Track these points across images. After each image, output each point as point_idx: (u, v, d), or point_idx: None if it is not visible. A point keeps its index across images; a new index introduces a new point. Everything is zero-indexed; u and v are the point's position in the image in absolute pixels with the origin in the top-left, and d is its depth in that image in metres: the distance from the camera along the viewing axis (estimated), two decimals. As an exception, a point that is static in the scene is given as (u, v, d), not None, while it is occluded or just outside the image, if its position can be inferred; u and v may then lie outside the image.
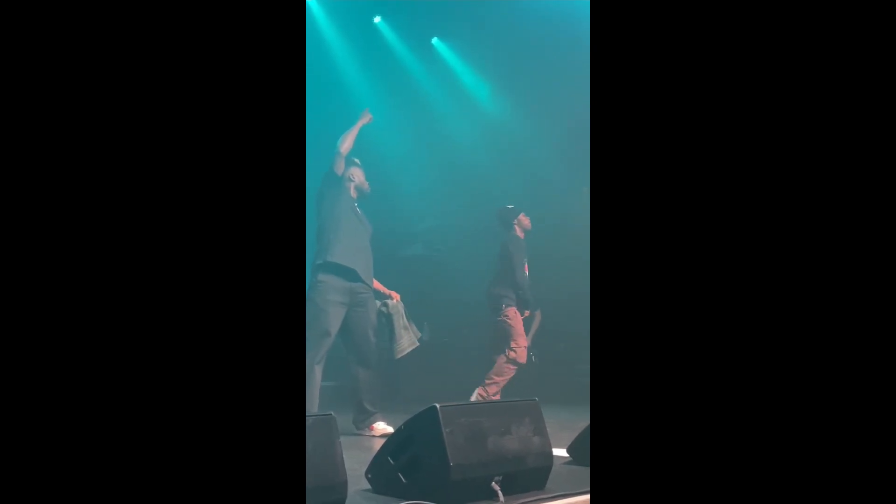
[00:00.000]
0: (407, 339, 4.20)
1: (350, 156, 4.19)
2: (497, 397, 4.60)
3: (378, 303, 4.22)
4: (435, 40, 7.16)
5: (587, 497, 2.34)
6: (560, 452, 2.99)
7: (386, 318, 4.18)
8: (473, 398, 4.61)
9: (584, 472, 2.81)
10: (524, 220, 5.08)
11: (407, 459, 2.38)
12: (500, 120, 7.07)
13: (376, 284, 4.31)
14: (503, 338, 4.84)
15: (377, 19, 6.93)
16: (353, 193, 4.19)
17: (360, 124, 4.23)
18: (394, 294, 4.34)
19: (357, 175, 4.22)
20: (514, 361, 4.76)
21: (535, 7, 6.30)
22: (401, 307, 4.23)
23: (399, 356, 4.20)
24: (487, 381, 4.74)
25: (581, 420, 4.19)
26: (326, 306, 3.90)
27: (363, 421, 4.02)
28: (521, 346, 4.78)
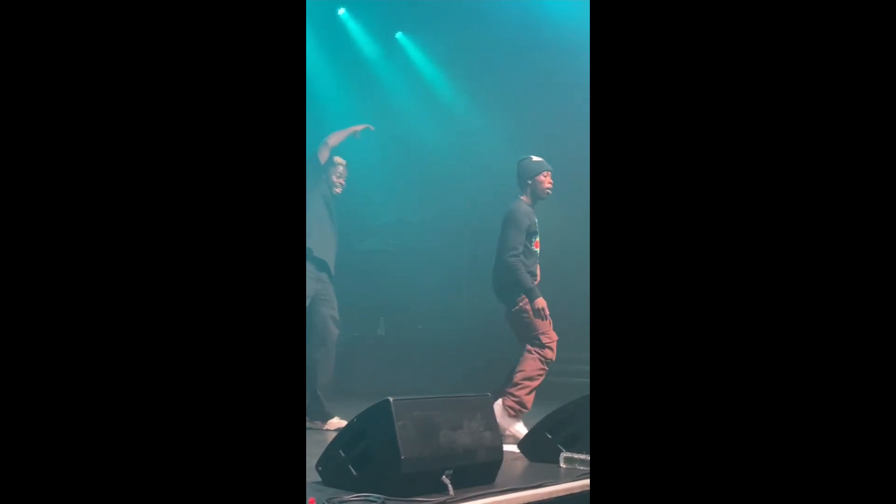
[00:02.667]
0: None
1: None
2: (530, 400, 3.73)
3: None
4: (399, 35, 7.15)
5: (535, 492, 2.38)
6: (510, 448, 3.02)
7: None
8: (499, 414, 3.51)
9: (533, 468, 2.86)
10: (542, 179, 3.86)
11: (358, 452, 2.39)
12: (460, 117, 7.09)
13: None
14: (524, 332, 3.80)
15: (341, 11, 6.89)
16: (336, 182, 4.22)
17: (356, 129, 4.24)
18: None
19: (341, 169, 4.27)
20: (544, 360, 3.71)
21: (499, 4, 6.33)
22: None
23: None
24: (516, 388, 3.67)
25: (531, 416, 4.25)
26: None
27: (316, 412, 4.00)
28: (552, 339, 3.75)
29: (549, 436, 3.00)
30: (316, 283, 4.03)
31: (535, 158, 3.94)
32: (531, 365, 3.69)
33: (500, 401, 3.64)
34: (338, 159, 4.25)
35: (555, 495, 2.40)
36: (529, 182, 3.87)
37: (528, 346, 3.74)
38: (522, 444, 3.13)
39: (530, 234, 3.83)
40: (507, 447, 2.70)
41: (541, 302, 3.72)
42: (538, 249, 3.90)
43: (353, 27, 6.98)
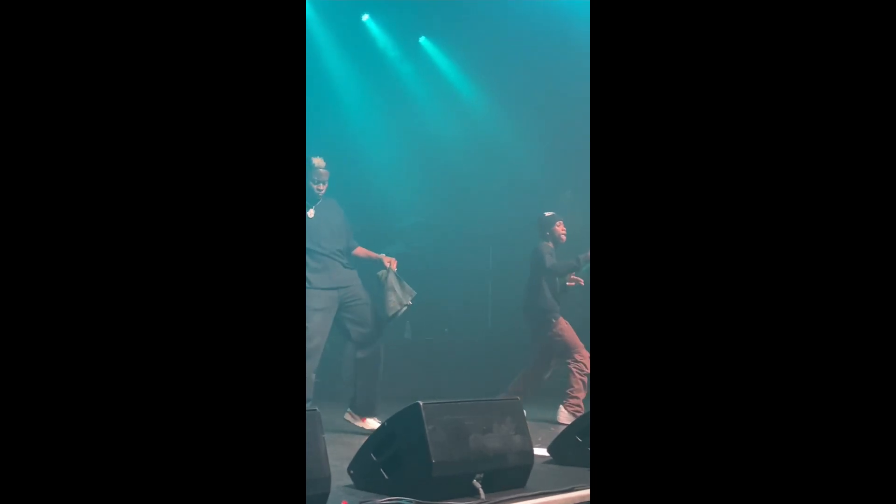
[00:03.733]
0: (393, 299, 4.05)
1: (315, 154, 4.09)
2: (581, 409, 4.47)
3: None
4: (423, 39, 7.17)
5: (567, 496, 2.37)
6: (540, 451, 3.02)
7: (379, 287, 4.09)
8: (566, 418, 4.40)
9: (565, 471, 2.85)
10: (558, 229, 4.88)
11: (389, 456, 2.40)
12: (485, 120, 7.09)
13: (362, 251, 4.24)
14: (561, 353, 4.67)
15: (365, 17, 6.93)
16: (317, 189, 4.07)
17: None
18: (385, 259, 4.16)
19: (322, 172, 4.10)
20: (583, 371, 4.56)
21: (522, 7, 6.33)
22: (389, 273, 4.09)
23: (390, 315, 4.06)
24: (571, 399, 4.53)
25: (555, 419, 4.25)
26: (309, 314, 3.85)
27: (359, 408, 4.01)
28: (585, 356, 4.57)
29: (580, 439, 2.99)
30: (331, 300, 3.97)
31: (548, 214, 4.91)
32: (576, 378, 4.53)
33: (562, 407, 4.51)
34: (317, 161, 4.06)
35: (586, 499, 2.40)
36: (548, 233, 4.85)
37: (570, 364, 4.57)
38: (553, 447, 3.13)
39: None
40: (537, 450, 2.70)
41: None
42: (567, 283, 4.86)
43: (377, 32, 7.02)
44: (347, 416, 4.03)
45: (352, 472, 2.53)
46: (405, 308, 4.08)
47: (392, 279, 4.08)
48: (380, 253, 4.28)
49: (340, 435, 3.83)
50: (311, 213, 4.08)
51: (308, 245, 3.96)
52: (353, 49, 6.79)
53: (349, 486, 2.50)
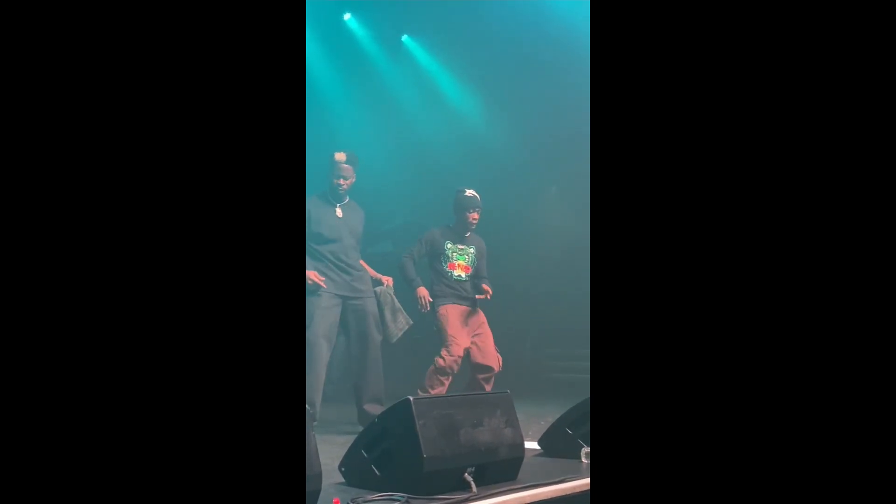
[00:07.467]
0: (400, 321, 4.12)
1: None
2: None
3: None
4: (405, 38, 7.17)
5: (558, 487, 2.38)
6: (531, 444, 3.03)
7: (378, 307, 4.12)
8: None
9: (555, 464, 2.86)
10: (470, 217, 4.34)
11: (380, 452, 2.40)
12: (469, 118, 7.10)
13: (362, 266, 4.25)
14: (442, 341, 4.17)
15: (347, 16, 6.91)
16: (341, 184, 4.11)
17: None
18: (384, 279, 4.22)
19: (344, 166, 4.13)
20: (442, 370, 4.04)
21: (505, 5, 6.34)
22: (389, 291, 4.16)
23: (393, 340, 4.12)
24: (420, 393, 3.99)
25: (549, 413, 4.26)
26: (314, 312, 3.87)
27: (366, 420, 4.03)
28: (453, 353, 4.08)
29: (570, 431, 3.00)
30: (337, 298, 4.01)
31: (468, 193, 4.31)
32: (431, 371, 4.09)
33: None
34: (338, 156, 4.09)
35: (578, 490, 2.41)
36: (459, 216, 4.31)
37: (437, 358, 4.11)
38: (543, 440, 3.14)
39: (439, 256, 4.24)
40: (527, 443, 2.71)
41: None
42: (453, 271, 4.25)
43: (360, 32, 7.00)
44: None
45: (343, 469, 2.53)
46: (408, 328, 4.16)
47: (395, 299, 4.13)
48: (369, 253, 4.32)
49: (332, 434, 3.83)
50: (339, 212, 4.08)
51: (327, 249, 3.97)
52: (335, 49, 6.77)
53: (341, 483, 2.49)
